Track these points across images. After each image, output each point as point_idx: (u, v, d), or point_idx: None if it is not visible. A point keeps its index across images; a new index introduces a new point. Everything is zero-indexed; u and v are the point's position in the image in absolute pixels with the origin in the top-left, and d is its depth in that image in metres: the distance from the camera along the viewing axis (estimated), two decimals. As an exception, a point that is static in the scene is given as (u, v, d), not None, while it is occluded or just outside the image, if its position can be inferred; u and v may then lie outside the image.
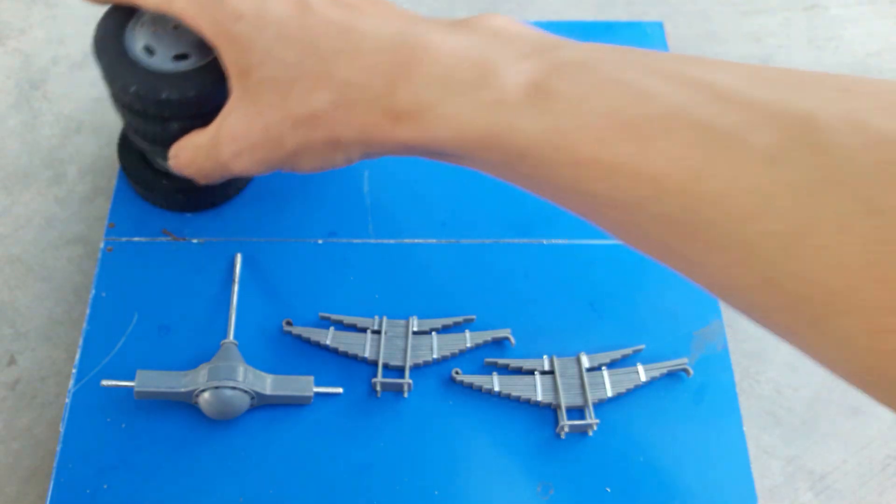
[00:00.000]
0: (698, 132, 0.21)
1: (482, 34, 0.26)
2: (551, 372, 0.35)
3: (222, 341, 0.35)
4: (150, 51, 0.33)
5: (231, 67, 0.29)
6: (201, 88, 0.32)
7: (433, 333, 0.36)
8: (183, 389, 0.32)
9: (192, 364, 0.34)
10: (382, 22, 0.28)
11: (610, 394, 0.35)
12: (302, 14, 0.28)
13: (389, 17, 0.28)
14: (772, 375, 0.40)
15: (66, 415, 0.34)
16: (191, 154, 0.32)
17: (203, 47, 0.33)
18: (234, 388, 0.32)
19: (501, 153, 0.25)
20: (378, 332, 0.36)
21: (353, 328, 0.36)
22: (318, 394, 0.34)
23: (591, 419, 0.34)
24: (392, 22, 0.28)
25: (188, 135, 0.33)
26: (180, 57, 0.33)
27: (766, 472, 0.38)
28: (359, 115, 0.27)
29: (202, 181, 0.33)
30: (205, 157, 0.31)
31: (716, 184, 0.21)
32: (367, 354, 0.35)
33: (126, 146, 0.40)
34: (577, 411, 0.35)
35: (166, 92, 0.32)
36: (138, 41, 0.33)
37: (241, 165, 0.30)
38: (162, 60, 0.33)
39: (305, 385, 0.34)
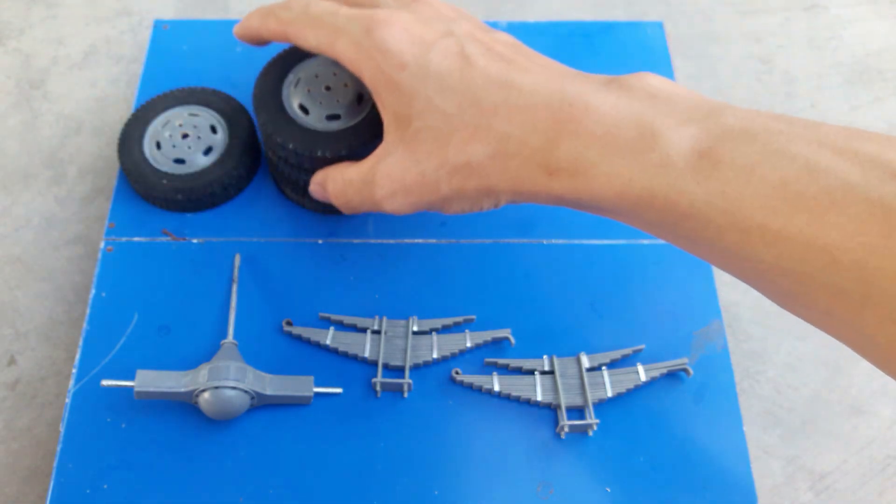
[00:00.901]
0: (874, 208, 0.22)
1: (639, 95, 0.27)
2: (551, 372, 0.35)
3: (222, 341, 0.35)
4: (304, 110, 0.36)
5: (389, 113, 0.31)
6: (352, 148, 0.35)
7: (433, 333, 0.36)
8: (183, 389, 0.32)
9: (192, 364, 0.34)
10: (540, 78, 0.29)
11: (610, 394, 0.35)
12: (463, 67, 0.29)
13: (546, 73, 0.29)
14: (772, 375, 0.40)
15: (66, 415, 0.34)
16: (341, 187, 0.33)
17: (352, 109, 0.36)
18: (234, 388, 0.32)
19: (662, 213, 0.26)
20: (378, 332, 0.36)
21: (353, 328, 0.36)
22: (318, 394, 0.34)
23: (591, 419, 0.34)
24: (549, 78, 0.29)
25: (337, 166, 0.34)
26: (332, 117, 0.36)
27: (766, 472, 0.38)
28: (514, 167, 0.28)
29: (346, 212, 0.35)
30: (355, 192, 0.33)
31: (893, 260, 0.21)
32: (367, 354, 0.35)
33: (126, 146, 0.40)
34: (577, 411, 0.35)
35: (321, 150, 0.35)
36: (294, 100, 0.36)
37: (392, 205, 0.31)
38: (316, 119, 0.36)
39: (305, 385, 0.34)
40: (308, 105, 0.36)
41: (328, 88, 0.37)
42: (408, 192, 0.31)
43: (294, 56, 0.38)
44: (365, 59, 0.30)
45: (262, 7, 0.35)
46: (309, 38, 0.32)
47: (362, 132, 0.35)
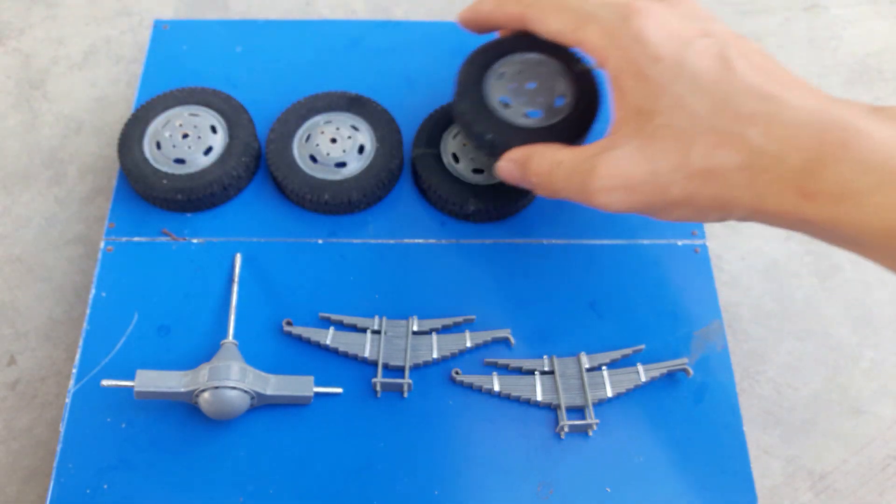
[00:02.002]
0: None
1: None
2: (551, 372, 0.35)
3: (222, 341, 0.35)
4: (505, 104, 0.36)
5: (630, 105, 0.29)
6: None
7: (433, 333, 0.36)
8: (183, 389, 0.32)
9: (192, 364, 0.34)
10: (805, 95, 0.27)
11: (610, 394, 0.35)
12: (722, 71, 0.28)
13: (809, 91, 0.28)
14: (772, 375, 0.40)
15: (66, 415, 0.34)
16: (548, 167, 0.32)
17: (552, 109, 0.36)
18: (234, 388, 0.32)
19: None
20: (378, 332, 0.36)
21: (353, 328, 0.36)
22: (318, 394, 0.34)
23: (591, 419, 0.34)
24: (814, 96, 0.27)
25: (546, 145, 0.33)
26: (531, 114, 0.36)
27: (766, 472, 0.38)
28: (764, 183, 0.27)
29: (541, 193, 0.33)
30: (564, 176, 0.31)
31: None
32: (367, 354, 0.35)
33: (126, 146, 0.40)
34: (577, 411, 0.35)
35: (518, 144, 0.35)
36: (496, 93, 0.37)
37: (607, 200, 0.30)
38: (515, 114, 0.36)
39: (305, 385, 0.34)
40: (510, 100, 0.36)
41: (531, 85, 0.37)
42: (631, 190, 0.29)
43: (498, 49, 0.38)
44: (615, 47, 0.29)
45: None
46: (550, 22, 0.31)
47: (560, 132, 0.35)
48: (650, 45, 0.28)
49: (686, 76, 0.28)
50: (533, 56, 0.37)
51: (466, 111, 0.36)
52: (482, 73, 0.37)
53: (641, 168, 0.28)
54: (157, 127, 0.40)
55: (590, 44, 0.30)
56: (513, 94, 0.37)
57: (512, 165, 0.34)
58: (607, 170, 0.29)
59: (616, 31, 0.29)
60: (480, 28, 0.36)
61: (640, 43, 0.29)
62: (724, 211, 0.28)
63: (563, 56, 0.37)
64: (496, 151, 0.35)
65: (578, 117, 0.36)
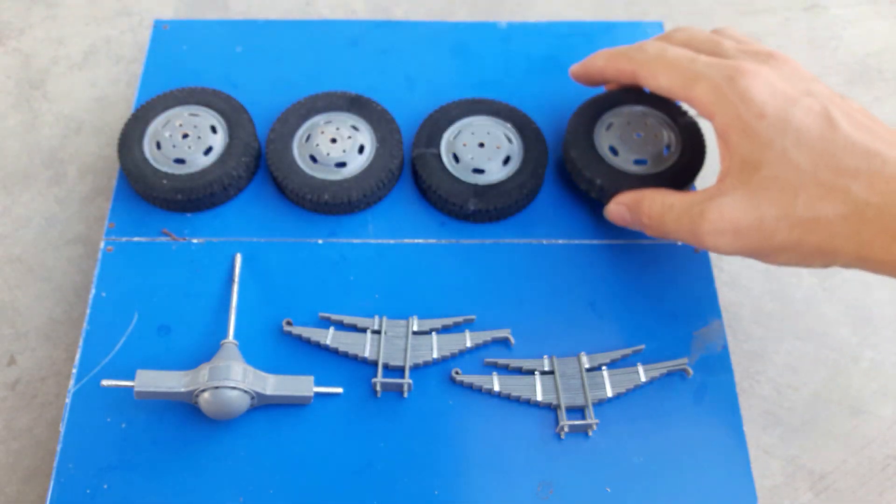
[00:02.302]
0: None
1: None
2: (551, 372, 0.35)
3: (222, 341, 0.35)
4: (614, 151, 0.39)
5: (737, 157, 0.31)
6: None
7: (433, 333, 0.36)
8: (183, 389, 0.32)
9: (192, 364, 0.34)
10: None
11: (610, 394, 0.35)
12: (824, 127, 0.30)
13: None
14: (772, 375, 0.40)
15: (66, 415, 0.34)
16: (659, 209, 0.34)
17: (659, 157, 0.39)
18: (234, 388, 0.32)
19: None
20: (378, 332, 0.36)
21: (353, 328, 0.36)
22: (318, 394, 0.34)
23: (591, 419, 0.34)
24: None
25: (656, 189, 0.35)
26: (639, 161, 0.39)
27: (766, 472, 0.38)
28: (866, 233, 0.29)
29: (650, 234, 0.36)
30: (674, 219, 0.33)
31: None
32: (367, 354, 0.35)
33: (126, 146, 0.40)
34: (577, 411, 0.35)
35: (625, 189, 0.37)
36: (605, 141, 0.39)
37: (716, 243, 0.32)
38: (623, 162, 0.39)
39: (305, 385, 0.34)
40: (618, 147, 0.39)
41: (639, 135, 0.39)
42: (739, 234, 0.31)
43: (606, 102, 0.40)
44: (723, 104, 0.31)
45: (609, 49, 0.37)
46: (661, 80, 0.34)
47: (667, 179, 0.38)
48: (755, 104, 0.31)
49: (791, 132, 0.30)
50: (639, 108, 0.40)
51: (577, 158, 0.39)
52: (592, 124, 0.40)
53: (748, 215, 0.31)
54: (157, 127, 0.40)
55: (699, 101, 0.32)
56: (620, 142, 0.39)
57: (622, 209, 0.36)
58: (717, 214, 0.31)
59: (724, 89, 0.31)
60: (591, 81, 0.39)
61: (746, 101, 0.31)
62: (828, 258, 0.30)
63: (668, 109, 0.40)
64: (605, 196, 0.38)
65: (684, 165, 0.39)
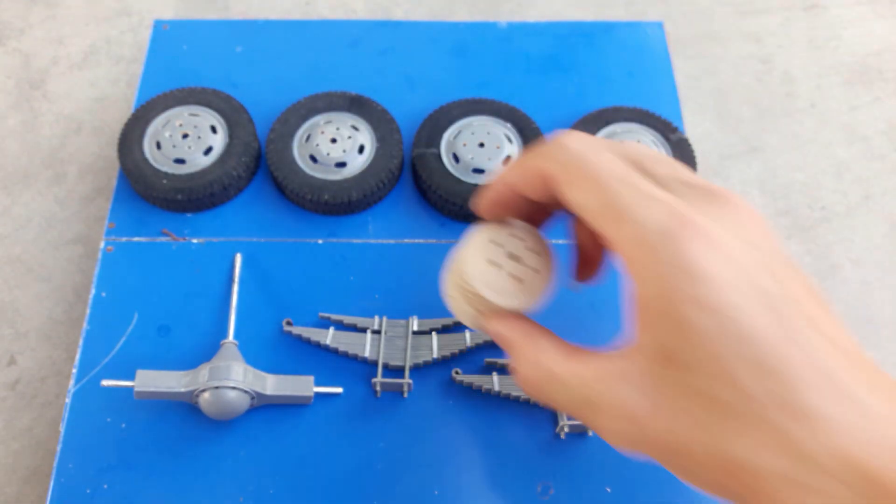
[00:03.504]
0: None
1: None
2: (551, 372, 0.35)
3: (222, 341, 0.35)
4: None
5: (655, 343, 0.22)
6: None
7: (433, 333, 0.36)
8: (183, 389, 0.32)
9: (192, 364, 0.34)
10: (877, 397, 0.20)
11: (610, 394, 0.35)
12: (789, 344, 0.21)
13: (877, 382, 0.21)
14: (772, 375, 0.40)
15: (66, 415, 0.34)
16: (536, 376, 0.25)
17: None
18: (234, 388, 0.32)
19: None
20: (378, 332, 0.36)
21: (353, 328, 0.36)
22: (318, 394, 0.34)
23: (591, 419, 0.34)
24: (885, 399, 0.20)
25: (525, 338, 0.26)
26: None
27: (766, 472, 0.38)
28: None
29: (532, 396, 0.28)
30: (565, 400, 0.25)
31: None
32: (367, 354, 0.35)
33: (126, 146, 0.40)
34: (577, 411, 0.35)
35: None
36: None
37: (619, 443, 0.24)
38: None
39: (305, 385, 0.34)
40: None
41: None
42: (644, 443, 0.23)
43: (598, 121, 0.41)
44: (648, 269, 0.22)
45: (525, 154, 0.26)
46: (577, 195, 0.24)
47: None
48: (698, 284, 0.21)
49: (740, 338, 0.21)
50: (631, 125, 0.41)
51: None
52: None
53: (659, 425, 0.22)
54: (157, 127, 0.40)
55: (620, 249, 0.23)
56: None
57: (499, 340, 0.27)
58: (616, 410, 0.23)
59: (655, 246, 0.22)
60: (501, 206, 0.27)
61: (685, 275, 0.21)
62: None
63: (658, 126, 0.41)
64: None
65: None
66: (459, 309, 0.28)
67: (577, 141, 0.24)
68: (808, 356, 0.20)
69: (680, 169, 0.24)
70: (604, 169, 0.23)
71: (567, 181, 0.24)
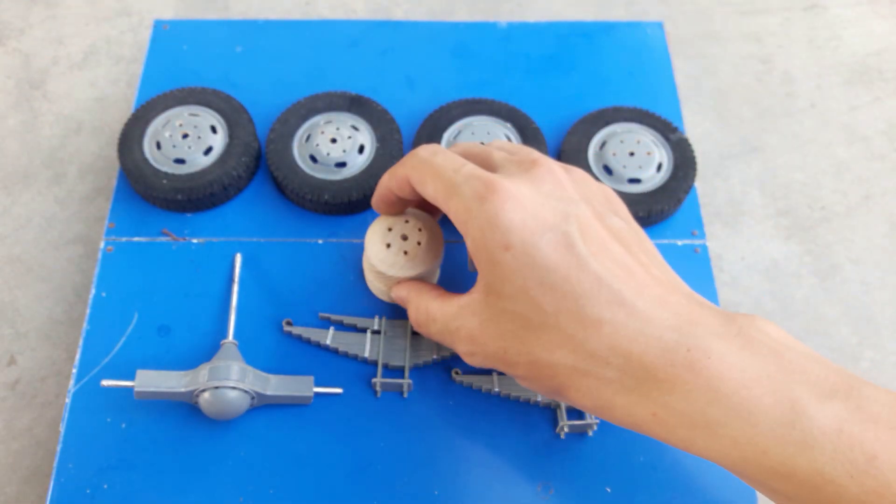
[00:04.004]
0: None
1: (763, 352, 0.25)
2: (551, 372, 0.35)
3: (222, 341, 0.35)
4: (609, 171, 0.41)
5: (482, 281, 0.29)
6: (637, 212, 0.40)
7: (433, 333, 0.36)
8: (183, 389, 0.32)
9: (192, 364, 0.34)
10: (655, 302, 0.26)
11: (610, 394, 0.35)
12: (572, 266, 0.27)
13: (662, 294, 0.27)
14: (772, 375, 0.40)
15: (66, 415, 0.34)
16: (424, 319, 0.32)
17: (651, 177, 0.40)
18: (234, 388, 0.32)
19: (799, 487, 0.24)
20: (378, 332, 0.36)
21: (353, 328, 0.36)
22: (318, 394, 0.34)
23: (591, 419, 0.34)
24: (665, 304, 0.26)
25: (421, 292, 0.33)
26: (633, 181, 0.40)
27: (766, 472, 0.38)
28: (606, 392, 0.27)
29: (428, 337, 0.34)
30: (437, 333, 0.32)
31: None
32: (367, 354, 0.35)
33: (126, 146, 0.40)
34: (577, 411, 0.35)
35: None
36: (599, 161, 0.41)
37: (473, 363, 0.31)
38: (618, 181, 0.40)
39: (305, 385, 0.34)
40: (613, 167, 0.40)
41: (632, 154, 0.40)
42: (487, 358, 0.30)
43: (599, 121, 0.42)
44: (471, 226, 0.28)
45: (395, 164, 0.33)
46: (428, 187, 0.30)
47: (659, 198, 0.39)
48: (501, 232, 0.27)
49: (535, 268, 0.27)
50: (631, 126, 0.42)
51: None
52: (586, 142, 0.41)
53: (494, 342, 0.29)
54: (157, 127, 0.41)
55: (454, 218, 0.29)
56: (615, 162, 0.40)
57: (398, 299, 0.34)
58: (466, 336, 0.30)
59: (472, 210, 0.28)
60: (389, 205, 0.34)
61: (493, 227, 0.27)
62: (567, 401, 0.29)
63: (658, 126, 0.42)
64: None
65: (676, 184, 0.40)
66: (375, 288, 0.36)
67: (425, 149, 0.31)
68: (592, 276, 0.26)
69: (515, 151, 0.32)
70: (441, 165, 0.30)
71: (420, 180, 0.31)
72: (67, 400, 0.34)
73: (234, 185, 0.40)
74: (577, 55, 0.46)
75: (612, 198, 0.31)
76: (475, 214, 0.28)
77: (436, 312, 0.31)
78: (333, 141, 0.40)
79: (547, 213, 0.28)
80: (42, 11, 0.54)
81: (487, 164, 0.31)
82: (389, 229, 0.34)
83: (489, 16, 0.55)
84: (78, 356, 0.35)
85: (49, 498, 0.32)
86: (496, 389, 0.35)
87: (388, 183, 0.33)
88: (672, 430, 0.26)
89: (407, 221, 0.34)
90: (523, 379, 0.30)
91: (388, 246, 0.34)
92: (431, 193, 0.30)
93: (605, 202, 0.31)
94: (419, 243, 0.34)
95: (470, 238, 0.28)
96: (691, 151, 0.41)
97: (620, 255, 0.28)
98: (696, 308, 0.27)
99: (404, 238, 0.34)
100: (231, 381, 0.32)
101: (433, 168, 0.30)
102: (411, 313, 0.33)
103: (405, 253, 0.34)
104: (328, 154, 0.39)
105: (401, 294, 0.34)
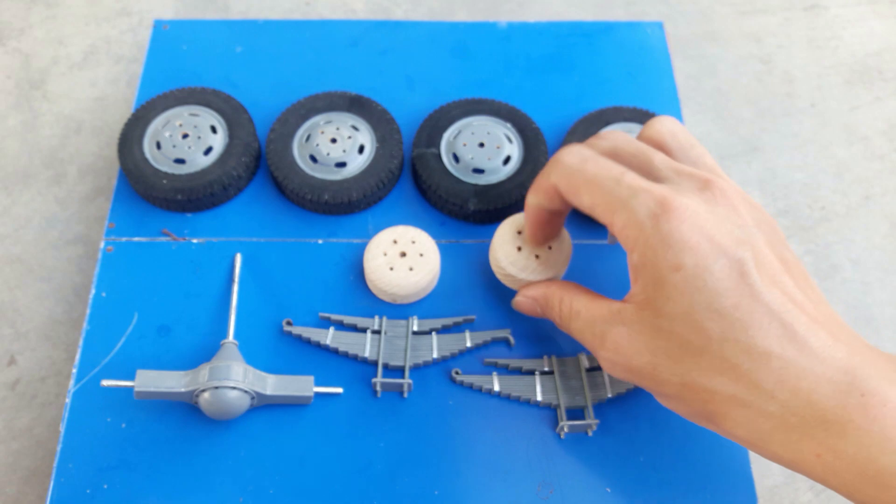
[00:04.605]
0: None
1: None
2: (551, 372, 0.35)
3: (222, 341, 0.35)
4: None
5: (645, 294, 0.28)
6: None
7: (433, 333, 0.36)
8: (183, 389, 0.32)
9: (192, 364, 0.34)
10: (829, 342, 0.26)
11: (610, 394, 0.35)
12: (744, 296, 0.26)
13: (835, 334, 0.26)
14: (772, 375, 0.40)
15: (66, 415, 0.34)
16: (567, 315, 0.32)
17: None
18: (234, 388, 0.32)
19: None
20: (378, 332, 0.36)
21: (353, 328, 0.36)
22: (318, 394, 0.34)
23: (591, 419, 0.34)
24: (839, 345, 0.26)
25: (561, 290, 0.32)
26: None
27: (766, 472, 0.38)
28: (766, 428, 0.26)
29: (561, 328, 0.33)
30: (579, 331, 0.31)
31: None
32: (367, 354, 0.35)
33: (126, 146, 0.40)
34: (577, 411, 0.35)
35: None
36: None
37: (612, 371, 0.30)
38: None
39: (305, 385, 0.34)
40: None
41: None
42: (630, 372, 0.29)
43: (598, 121, 0.41)
44: (641, 244, 0.27)
45: (536, 178, 0.32)
46: (584, 198, 0.29)
47: None
48: (675, 252, 0.26)
49: (705, 293, 0.26)
50: (630, 125, 0.41)
51: None
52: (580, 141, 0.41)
53: (643, 357, 0.28)
54: (157, 127, 0.41)
55: (618, 233, 0.28)
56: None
57: (532, 303, 0.34)
58: (612, 345, 0.29)
59: (646, 228, 0.27)
60: (541, 222, 0.33)
61: (666, 246, 0.27)
62: (712, 426, 0.28)
63: None
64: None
65: None
66: (508, 283, 0.36)
67: (570, 155, 0.30)
68: (764, 308, 0.26)
69: (679, 156, 0.31)
70: (597, 175, 0.29)
71: (572, 191, 0.30)
72: (67, 400, 0.34)
73: (234, 185, 0.40)
74: (576, 55, 0.46)
75: (778, 229, 0.30)
76: (648, 233, 0.27)
77: (581, 308, 0.31)
78: (333, 141, 0.40)
79: (722, 237, 0.26)
80: (42, 11, 0.54)
81: (648, 172, 0.29)
82: (519, 232, 0.35)
83: (489, 16, 0.55)
84: (78, 356, 0.35)
85: (49, 498, 0.32)
86: (496, 389, 0.35)
87: (537, 200, 0.32)
88: (837, 473, 0.25)
89: None
90: (669, 398, 0.29)
91: (519, 249, 0.35)
92: (588, 204, 0.29)
93: (773, 232, 0.29)
94: (550, 248, 0.35)
95: (637, 254, 0.28)
96: None
97: (792, 288, 0.27)
98: (866, 350, 0.26)
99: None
100: (231, 381, 0.32)
101: (587, 178, 0.29)
102: (554, 306, 0.32)
103: (536, 257, 0.34)
104: (328, 154, 0.39)
105: (535, 293, 0.33)
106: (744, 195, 0.29)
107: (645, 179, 0.28)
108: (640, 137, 0.32)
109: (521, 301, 0.34)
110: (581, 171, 0.29)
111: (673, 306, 0.27)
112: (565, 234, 0.35)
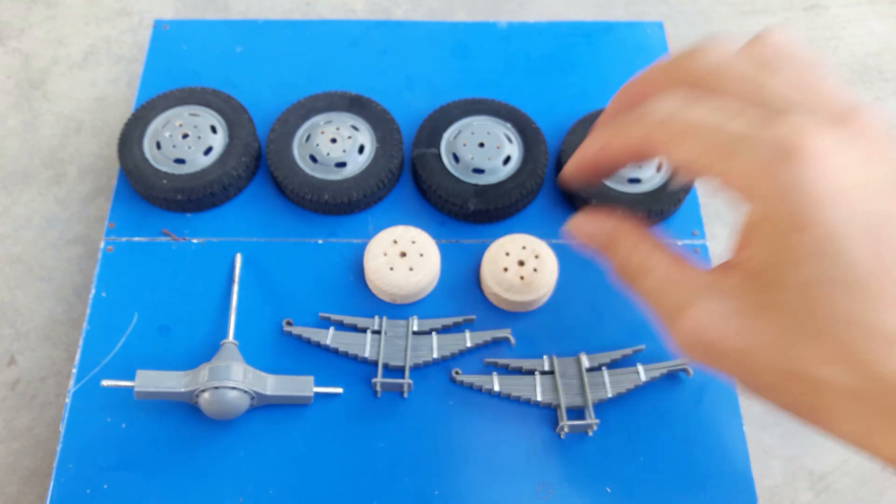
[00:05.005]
0: None
1: None
2: (551, 372, 0.35)
3: (222, 341, 0.35)
4: None
5: (752, 262, 0.23)
6: (651, 212, 0.39)
7: (433, 333, 0.36)
8: (183, 389, 0.32)
9: (192, 364, 0.34)
10: None
11: (610, 394, 0.35)
12: (883, 268, 0.20)
13: None
14: (772, 375, 0.40)
15: (66, 415, 0.34)
16: (634, 269, 0.26)
17: (652, 177, 0.40)
18: (234, 388, 0.32)
19: None
20: (378, 332, 0.36)
21: (353, 328, 0.36)
22: (318, 394, 0.34)
23: (591, 419, 0.34)
24: None
25: (632, 230, 0.26)
26: (633, 181, 0.40)
27: (766, 472, 0.38)
28: (871, 419, 0.21)
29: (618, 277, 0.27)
30: (648, 292, 0.25)
31: None
32: (367, 354, 0.35)
33: (126, 146, 0.40)
34: (577, 411, 0.35)
35: (622, 207, 0.39)
36: None
37: (689, 352, 0.24)
38: (618, 181, 0.40)
39: (305, 385, 0.34)
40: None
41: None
42: (716, 356, 0.23)
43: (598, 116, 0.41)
44: (762, 190, 0.22)
45: (617, 122, 0.26)
46: (681, 151, 0.24)
47: (658, 199, 0.39)
48: (804, 204, 0.21)
49: (835, 260, 0.21)
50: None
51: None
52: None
53: (737, 339, 0.23)
54: (157, 127, 0.40)
55: (736, 182, 0.22)
56: None
57: (593, 233, 0.27)
58: (699, 320, 0.23)
59: (770, 169, 0.21)
60: (592, 173, 0.27)
61: (794, 195, 0.21)
62: (811, 421, 0.23)
63: None
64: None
65: (678, 191, 0.39)
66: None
67: (665, 104, 0.25)
68: None
69: (806, 74, 0.24)
70: (705, 119, 0.23)
71: (671, 140, 0.24)
72: (67, 400, 0.34)
73: (234, 185, 0.40)
74: (576, 55, 0.46)
75: None
76: (773, 174, 0.21)
77: (657, 266, 0.25)
78: (333, 141, 0.40)
79: (864, 189, 0.21)
80: (42, 11, 0.54)
81: (762, 102, 0.24)
82: (507, 254, 0.37)
83: (489, 16, 0.55)
84: (78, 356, 0.35)
85: (49, 498, 0.32)
86: (496, 389, 0.35)
87: (615, 144, 0.26)
88: None
89: (524, 248, 0.37)
90: (763, 389, 0.23)
91: (505, 270, 0.36)
92: (689, 158, 0.23)
93: None
94: (535, 270, 0.36)
95: (759, 202, 0.22)
96: None
97: None
98: None
99: (521, 264, 0.37)
100: (231, 381, 0.32)
101: (692, 124, 0.23)
102: (620, 249, 0.26)
103: (521, 278, 0.36)
104: (328, 154, 0.39)
105: (601, 225, 0.27)
106: (882, 135, 0.23)
107: (760, 114, 0.22)
108: (745, 54, 0.25)
109: (580, 227, 0.28)
110: (684, 118, 0.24)
111: (794, 276, 0.21)
112: (551, 256, 0.37)
